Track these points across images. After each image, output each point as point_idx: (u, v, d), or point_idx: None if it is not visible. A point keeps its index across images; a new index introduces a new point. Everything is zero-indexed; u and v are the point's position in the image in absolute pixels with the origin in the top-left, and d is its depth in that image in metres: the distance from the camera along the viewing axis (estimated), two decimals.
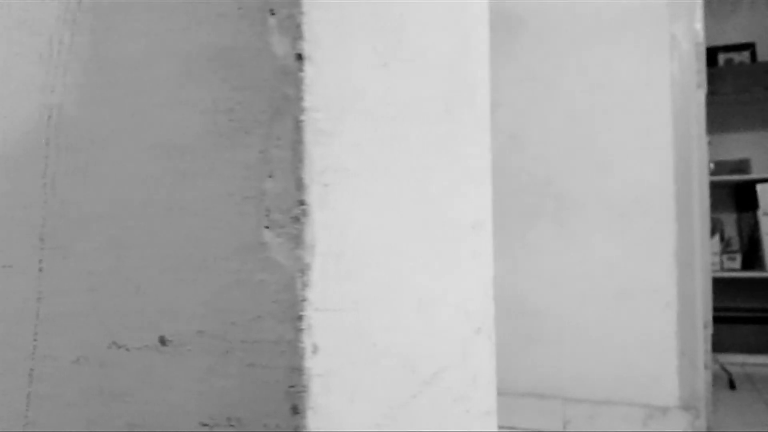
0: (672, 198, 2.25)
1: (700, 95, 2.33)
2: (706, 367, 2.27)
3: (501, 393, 2.42)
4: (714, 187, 3.52)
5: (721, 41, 3.60)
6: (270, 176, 0.35)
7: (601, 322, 2.31)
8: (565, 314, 2.35)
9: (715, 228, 3.45)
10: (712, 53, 3.63)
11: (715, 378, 3.04)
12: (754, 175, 3.40)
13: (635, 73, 2.31)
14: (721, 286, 3.53)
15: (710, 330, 2.38)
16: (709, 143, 2.87)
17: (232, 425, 0.35)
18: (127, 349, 0.39)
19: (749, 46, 3.51)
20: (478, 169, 0.62)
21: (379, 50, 0.43)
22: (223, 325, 0.36)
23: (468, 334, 0.59)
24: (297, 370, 0.34)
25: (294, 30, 0.35)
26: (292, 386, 0.34)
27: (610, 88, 2.34)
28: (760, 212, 3.36)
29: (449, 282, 0.55)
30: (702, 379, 2.28)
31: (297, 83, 0.35)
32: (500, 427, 2.43)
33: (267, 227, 0.35)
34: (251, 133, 0.36)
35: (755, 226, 3.44)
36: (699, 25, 2.36)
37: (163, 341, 0.38)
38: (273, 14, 0.35)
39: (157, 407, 0.37)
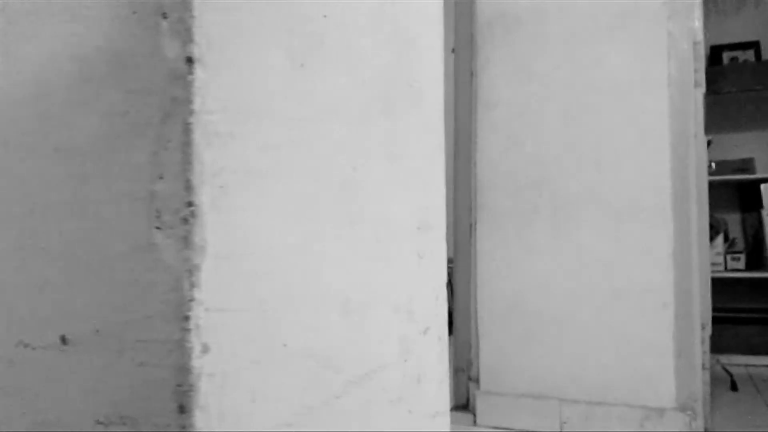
0: (669, 198, 2.24)
1: (698, 94, 2.31)
2: (704, 367, 2.26)
3: (497, 393, 2.41)
4: (718, 186, 3.49)
5: (725, 39, 3.57)
6: (161, 178, 0.36)
7: (598, 322, 2.30)
8: (561, 314, 2.34)
9: (719, 228, 3.42)
10: (716, 51, 3.60)
11: (717, 379, 3.02)
12: (758, 175, 3.37)
13: (632, 72, 2.30)
14: (725, 287, 3.50)
15: (708, 331, 2.36)
16: (711, 143, 2.85)
17: (124, 423, 0.36)
18: (33, 348, 0.40)
19: (754, 45, 3.47)
20: (425, 171, 0.62)
21: (294, 52, 0.43)
22: (117, 324, 0.37)
23: (412, 334, 0.59)
24: (184, 369, 0.35)
25: (184, 33, 0.35)
26: (179, 385, 0.35)
27: (607, 87, 2.33)
28: (764, 212, 3.33)
29: (387, 282, 0.55)
30: (699, 380, 2.26)
31: (186, 86, 0.35)
32: (496, 427, 2.43)
33: (158, 228, 0.36)
34: (143, 136, 0.36)
35: (760, 226, 3.41)
36: (697, 24, 2.34)
37: (64, 340, 0.38)
38: (165, 18, 0.36)
39: (58, 405, 0.38)
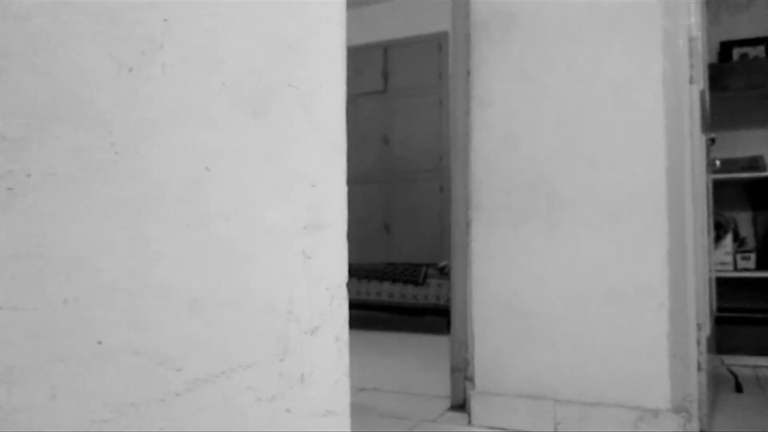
0: (664, 196, 2.20)
1: (695, 91, 2.28)
2: (700, 368, 2.22)
3: (492, 393, 2.40)
4: (726, 185, 3.43)
5: (735, 35, 3.50)
6: None
7: (592, 322, 2.27)
8: (556, 314, 2.32)
9: (728, 227, 3.36)
10: (726, 48, 3.54)
11: (722, 380, 2.97)
12: None
13: (626, 70, 2.27)
14: (734, 286, 3.44)
15: (706, 331, 2.32)
16: (715, 140, 2.80)
17: None
18: None
19: (764, 41, 3.40)
20: (315, 170, 0.62)
21: (120, 57, 0.44)
22: None
23: (293, 334, 0.59)
24: None
25: None
26: None
27: (601, 86, 2.30)
28: None
29: (256, 282, 0.55)
30: (695, 381, 2.23)
31: None
32: (491, 427, 2.41)
33: None
34: None
35: None
36: (693, 20, 2.31)
37: None
38: None
39: None
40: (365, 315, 5.33)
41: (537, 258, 2.36)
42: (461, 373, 2.61)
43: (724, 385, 2.89)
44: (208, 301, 0.51)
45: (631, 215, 2.24)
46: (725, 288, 3.43)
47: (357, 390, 2.98)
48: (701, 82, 2.43)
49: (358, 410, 2.63)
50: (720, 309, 3.25)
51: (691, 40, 2.34)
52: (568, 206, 2.33)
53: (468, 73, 2.55)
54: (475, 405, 2.43)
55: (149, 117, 0.47)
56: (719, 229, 3.36)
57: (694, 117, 2.33)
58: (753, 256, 3.33)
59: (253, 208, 0.56)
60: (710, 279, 2.83)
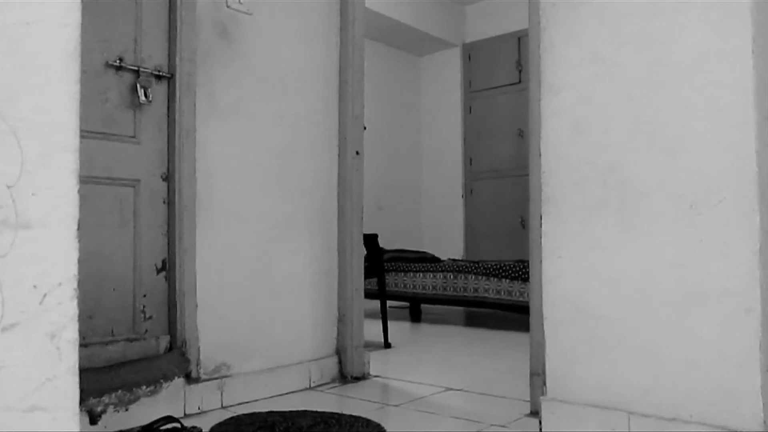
0: (754, 185, 1.91)
1: None
2: None
3: (563, 401, 2.23)
4: None
5: None
6: None
7: (670, 328, 2.03)
8: (630, 318, 2.10)
9: None
10: None
11: None
12: None
13: (706, 41, 1.99)
14: None
15: None
16: None
17: None
18: None
19: None
20: (7, 174, 0.61)
21: None
22: None
23: None
24: None
25: None
26: None
27: (679, 62, 2.05)
28: None
29: None
30: None
31: None
32: None
33: None
34: None
35: None
36: None
37: None
38: None
39: None
40: (481, 313, 5.19)
41: (608, 255, 2.15)
42: (540, 377, 2.44)
43: None
44: None
45: (715, 207, 1.96)
46: None
47: (443, 389, 2.91)
48: None
49: (432, 410, 2.56)
50: None
51: None
52: (642, 198, 2.09)
53: (539, 58, 2.39)
54: (545, 412, 2.28)
55: None
56: None
57: None
58: None
59: None
60: None
